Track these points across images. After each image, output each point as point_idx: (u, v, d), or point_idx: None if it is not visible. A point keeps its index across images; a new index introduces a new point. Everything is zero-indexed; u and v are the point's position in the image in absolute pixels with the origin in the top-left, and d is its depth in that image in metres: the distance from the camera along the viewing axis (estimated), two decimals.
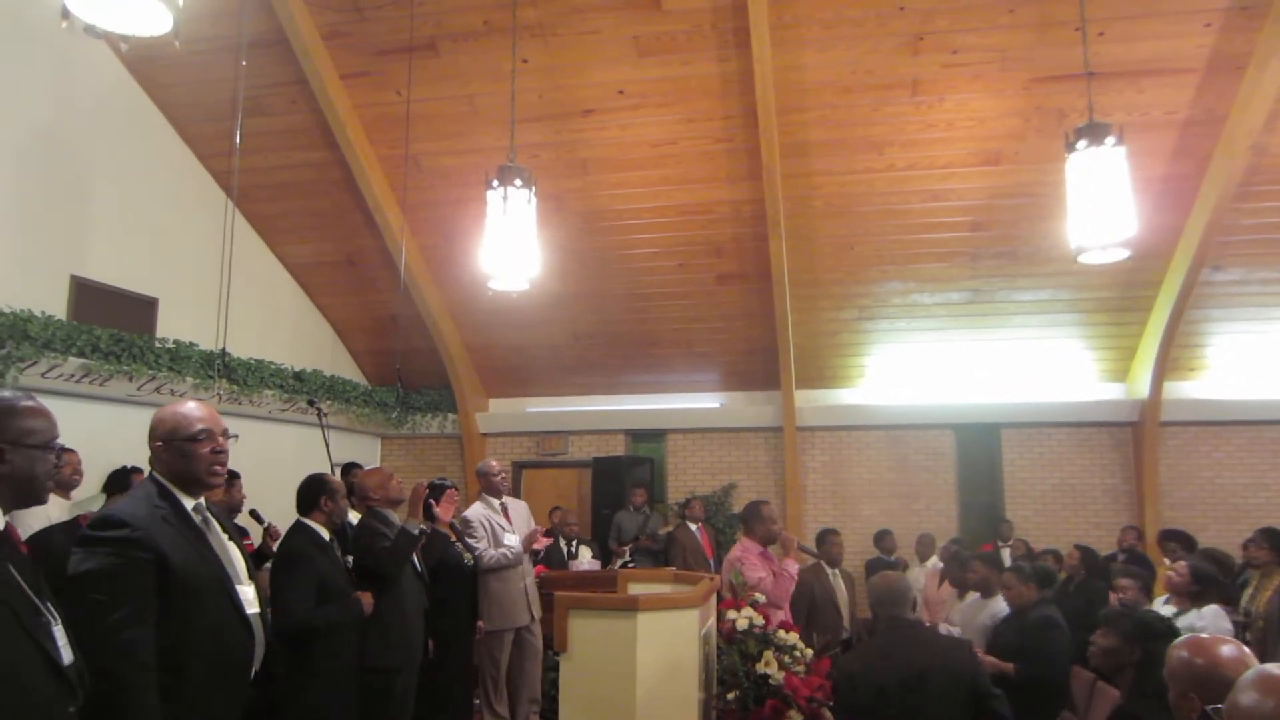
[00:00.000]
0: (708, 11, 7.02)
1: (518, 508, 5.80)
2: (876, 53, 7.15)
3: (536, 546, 5.92)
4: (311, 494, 3.94)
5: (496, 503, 5.63)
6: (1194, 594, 4.46)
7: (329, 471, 4.76)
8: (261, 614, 2.53)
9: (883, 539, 8.89)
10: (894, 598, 3.44)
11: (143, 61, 7.57)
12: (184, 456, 2.41)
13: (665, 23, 7.10)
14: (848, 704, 3.30)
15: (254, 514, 5.92)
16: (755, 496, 9.95)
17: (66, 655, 1.90)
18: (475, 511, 5.56)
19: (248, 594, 2.44)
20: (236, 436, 2.58)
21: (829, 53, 7.18)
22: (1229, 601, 4.77)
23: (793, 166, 7.90)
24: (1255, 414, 9.08)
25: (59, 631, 1.91)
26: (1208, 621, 4.20)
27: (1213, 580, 4.55)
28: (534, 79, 7.43)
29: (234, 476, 5.58)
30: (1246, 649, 1.98)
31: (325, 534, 3.91)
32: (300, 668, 3.57)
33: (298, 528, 3.93)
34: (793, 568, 4.99)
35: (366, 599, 3.90)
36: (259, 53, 7.21)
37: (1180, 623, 4.13)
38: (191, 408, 2.47)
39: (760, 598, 4.36)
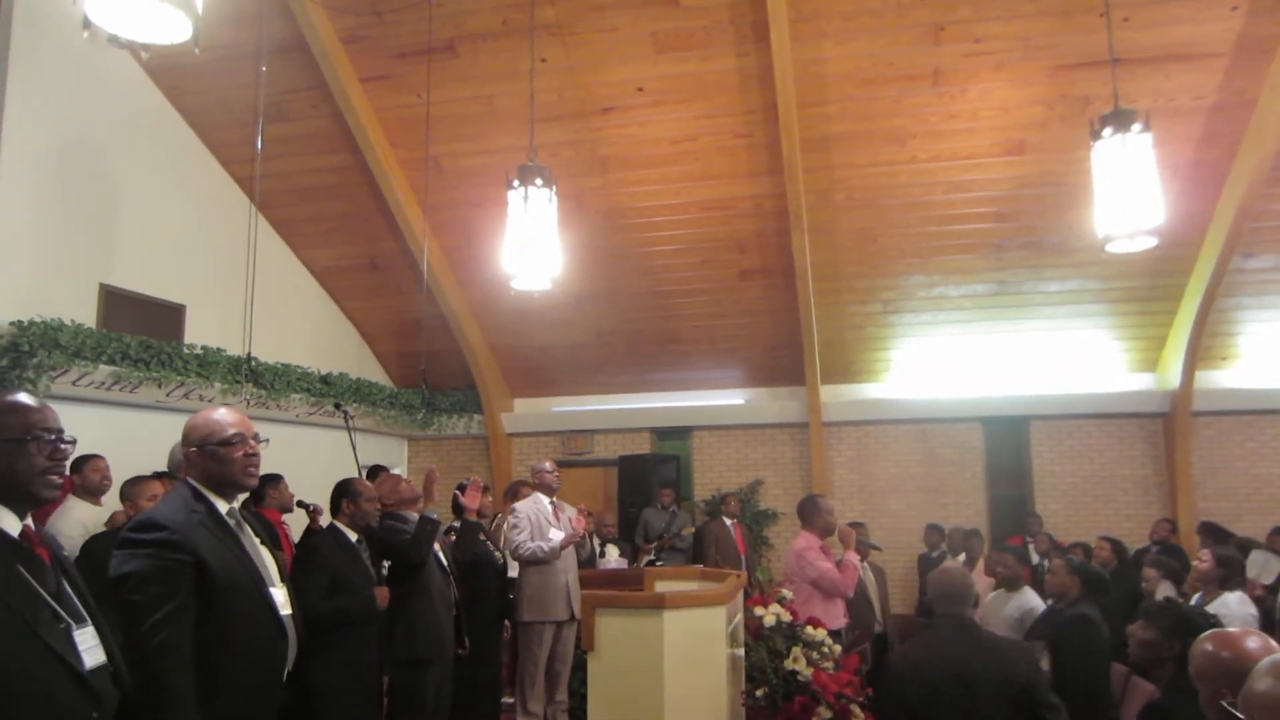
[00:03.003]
0: (726, 7, 6.99)
1: (569, 511, 5.93)
2: (897, 44, 7.09)
3: (581, 533, 6.01)
4: (335, 497, 4.08)
5: (547, 501, 5.75)
6: (1220, 579, 4.46)
7: (356, 474, 4.82)
8: (295, 617, 2.57)
9: (930, 534, 8.82)
10: (953, 594, 3.37)
11: (165, 70, 7.65)
12: (218, 461, 2.47)
13: (683, 19, 7.08)
14: (899, 699, 3.27)
15: (300, 503, 6.04)
16: (783, 492, 10.00)
17: (91, 659, 1.86)
18: (524, 505, 5.74)
19: (280, 596, 2.49)
20: (267, 441, 2.64)
21: (849, 44, 7.13)
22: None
23: (814, 160, 7.85)
24: None
25: (84, 635, 1.88)
26: (1231, 608, 4.18)
27: (1238, 567, 4.57)
28: (553, 78, 7.44)
29: (276, 479, 5.66)
30: (1273, 640, 1.94)
31: (351, 535, 3.99)
32: (319, 662, 3.61)
33: (327, 528, 4.08)
34: (854, 558, 5.06)
35: (382, 593, 3.96)
36: (279, 58, 7.27)
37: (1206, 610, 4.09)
38: (223, 413, 2.54)
39: (788, 594, 4.35)
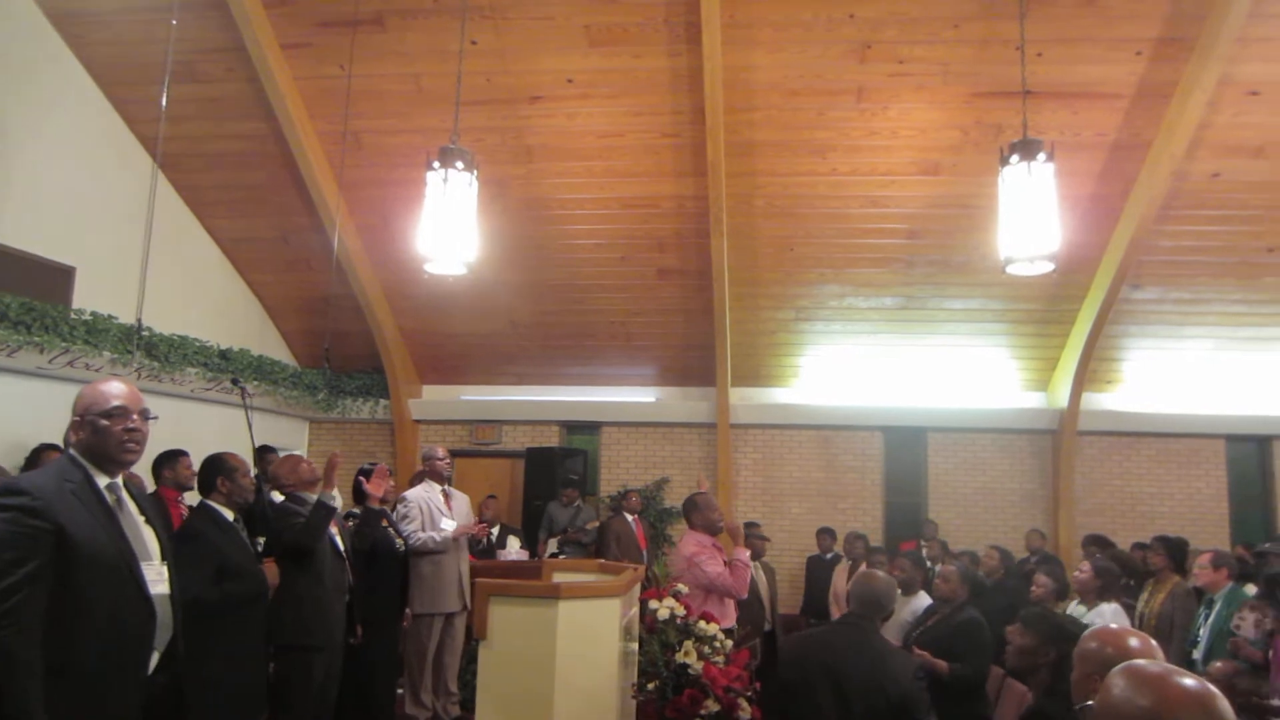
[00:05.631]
0: (660, 5, 7.02)
1: (460, 499, 5.81)
2: (825, 58, 7.23)
3: (477, 534, 5.91)
4: (208, 475, 3.87)
5: (439, 489, 5.62)
6: (1097, 591, 4.69)
7: (251, 453, 4.67)
8: (174, 597, 2.51)
9: (821, 537, 9.00)
10: (869, 599, 3.47)
11: (68, 16, 7.26)
12: (96, 433, 2.43)
13: (618, 14, 7.08)
14: (786, 679, 3.36)
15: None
16: (688, 491, 10.05)
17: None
18: (415, 493, 5.60)
19: (153, 574, 2.44)
20: (156, 418, 2.59)
21: (778, 54, 7.24)
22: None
23: (737, 165, 7.95)
24: (1164, 427, 9.48)
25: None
26: (1107, 618, 4.41)
27: (1114, 578, 4.81)
28: (482, 62, 7.34)
29: (176, 456, 5.41)
30: (1152, 641, 2.06)
31: (228, 514, 3.83)
32: (202, 650, 3.49)
33: (200, 509, 3.87)
34: (745, 555, 5.01)
35: (271, 569, 3.85)
36: (195, 15, 6.99)
37: (1083, 619, 4.31)
38: (111, 386, 2.50)
39: (684, 588, 4.38)
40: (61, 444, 4.67)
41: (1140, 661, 1.53)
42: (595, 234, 8.82)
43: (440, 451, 5.80)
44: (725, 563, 4.97)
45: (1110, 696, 1.47)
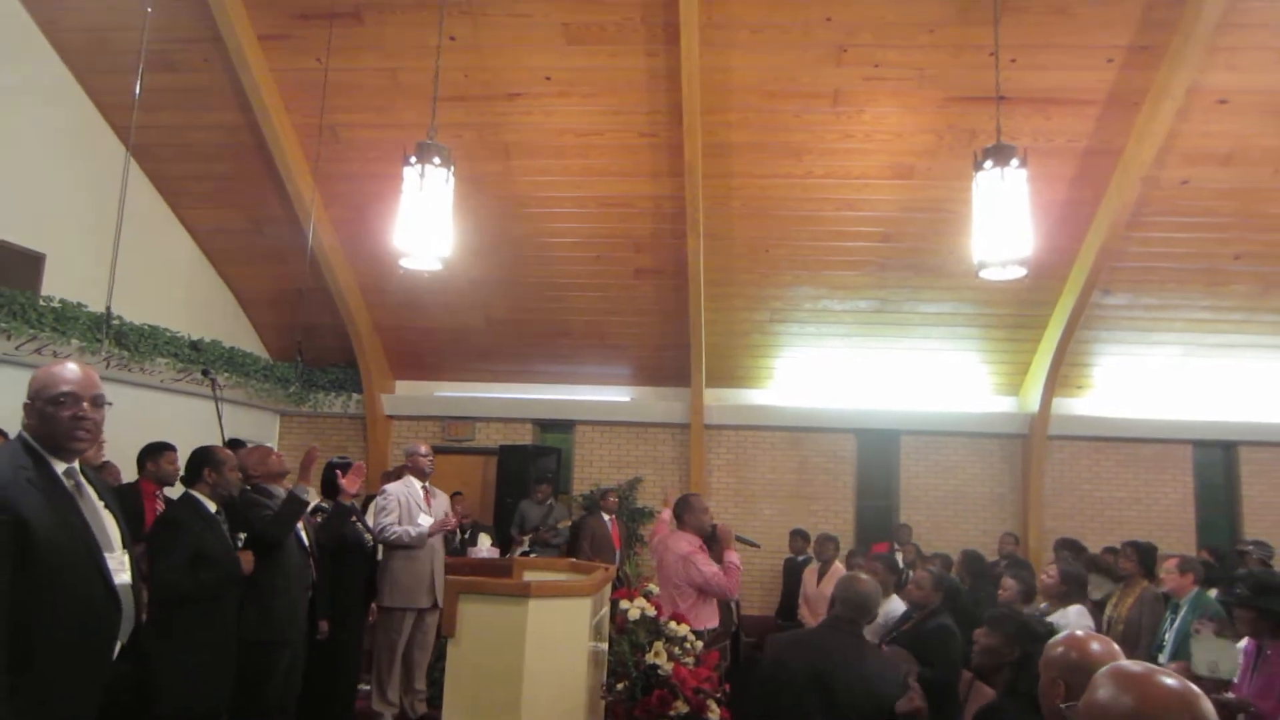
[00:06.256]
0: (638, 5, 7.02)
1: (441, 499, 5.82)
2: (801, 61, 7.27)
3: (449, 528, 5.91)
4: (195, 466, 3.89)
5: (419, 485, 5.62)
6: (1062, 594, 4.76)
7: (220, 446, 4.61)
8: (135, 586, 2.44)
9: (794, 539, 9.04)
10: (855, 602, 3.48)
11: (40, 1, 7.15)
12: (44, 419, 2.34)
13: (596, 12, 7.07)
14: (767, 682, 3.37)
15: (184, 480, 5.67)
16: (660, 491, 10.10)
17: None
18: (395, 487, 5.61)
19: (118, 563, 2.37)
20: (110, 404, 2.48)
21: (755, 56, 7.27)
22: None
23: (714, 166, 7.97)
24: (1133, 432, 9.61)
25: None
26: (1071, 619, 4.47)
27: (1080, 583, 4.88)
28: (460, 57, 7.30)
29: (161, 450, 5.33)
30: (1116, 645, 2.10)
31: (211, 506, 3.83)
32: (173, 639, 3.47)
33: (183, 499, 3.88)
34: (734, 558, 5.07)
35: (246, 557, 3.85)
36: (171, 4, 6.89)
37: (1047, 619, 4.37)
38: (63, 369, 2.39)
39: (654, 589, 4.39)
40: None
41: (1125, 662, 1.57)
42: (572, 232, 8.81)
43: (423, 448, 5.80)
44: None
45: (1095, 696, 1.50)
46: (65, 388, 2.34)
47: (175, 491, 5.16)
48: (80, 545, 2.28)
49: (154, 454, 5.32)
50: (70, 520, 2.29)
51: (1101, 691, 1.49)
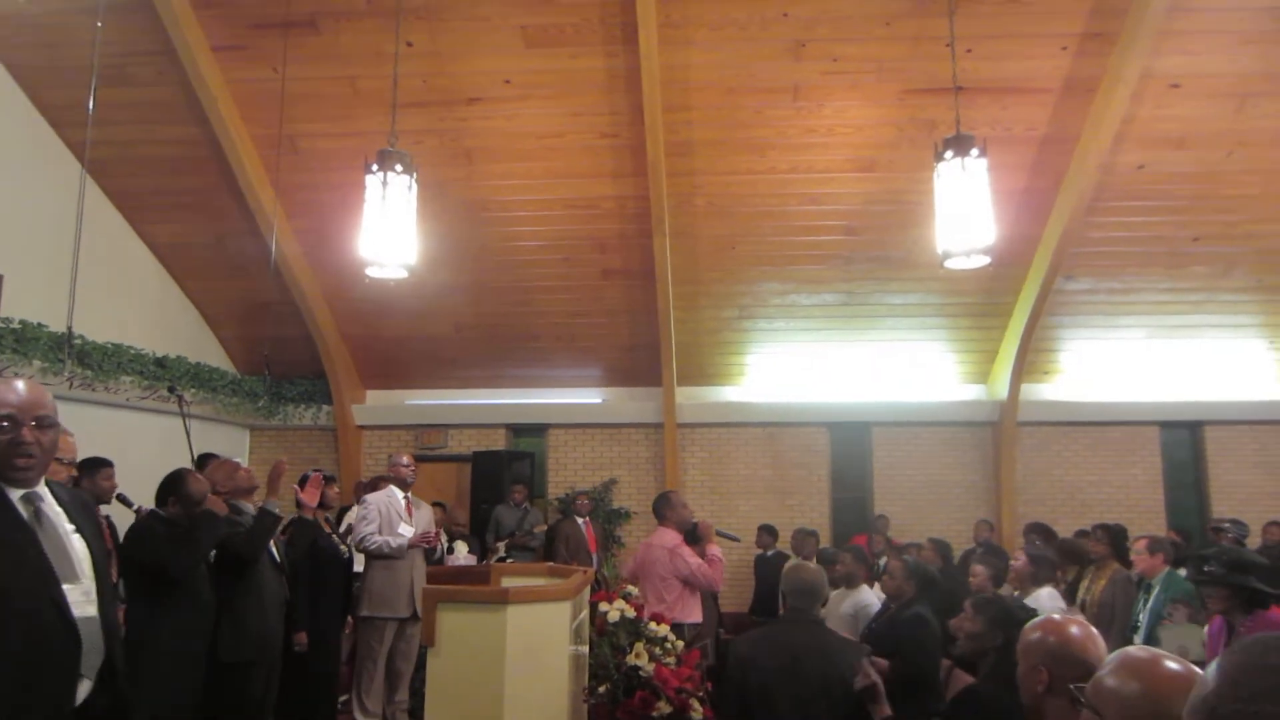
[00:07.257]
0: (596, 6, 7.01)
1: (425, 511, 5.82)
2: (760, 57, 7.30)
3: (430, 543, 5.88)
4: (161, 491, 3.84)
5: (401, 495, 5.60)
6: (1031, 577, 4.84)
7: (189, 463, 4.56)
8: (107, 616, 2.26)
9: (761, 534, 9.07)
10: (804, 590, 3.50)
11: None
12: None
13: (554, 14, 7.06)
14: (738, 683, 3.37)
15: (121, 498, 5.50)
16: (636, 491, 10.11)
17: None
18: (377, 496, 5.61)
19: (82, 594, 2.19)
20: (56, 425, 2.27)
21: (714, 54, 7.29)
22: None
23: (677, 165, 7.98)
24: (1100, 416, 9.75)
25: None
26: (1042, 603, 4.53)
27: (1048, 566, 4.97)
28: (418, 64, 7.26)
29: (97, 466, 5.19)
30: (1092, 628, 2.12)
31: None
32: (146, 654, 3.43)
33: (151, 514, 3.85)
34: (716, 551, 5.17)
35: (217, 503, 3.90)
36: (122, 17, 6.79)
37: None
38: (5, 390, 2.19)
39: (633, 590, 4.40)
40: None
41: (1131, 649, 1.61)
42: (537, 235, 8.79)
43: (405, 458, 5.82)
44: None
45: (1104, 683, 1.55)
46: (4, 410, 2.15)
47: (109, 508, 5.09)
48: (31, 576, 2.10)
49: (89, 470, 5.10)
50: (21, 550, 2.11)
51: (1110, 678, 1.55)
